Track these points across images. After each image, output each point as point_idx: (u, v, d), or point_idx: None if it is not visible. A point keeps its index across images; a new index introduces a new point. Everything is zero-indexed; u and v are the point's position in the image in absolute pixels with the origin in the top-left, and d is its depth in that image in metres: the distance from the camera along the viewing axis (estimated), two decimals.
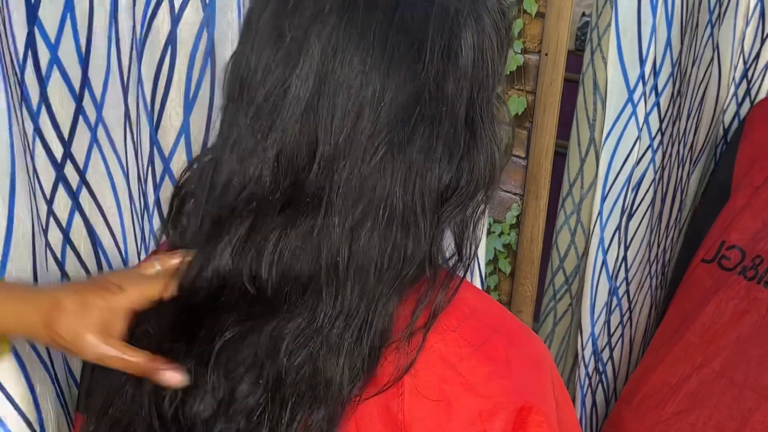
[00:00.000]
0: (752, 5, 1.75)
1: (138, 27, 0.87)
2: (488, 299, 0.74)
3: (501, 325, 0.71)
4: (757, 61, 1.83)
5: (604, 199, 1.53)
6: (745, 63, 1.82)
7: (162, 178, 0.97)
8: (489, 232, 1.81)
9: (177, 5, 0.91)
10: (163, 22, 0.91)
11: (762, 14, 1.79)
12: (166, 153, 0.97)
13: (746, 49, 1.80)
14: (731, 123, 1.88)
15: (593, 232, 1.54)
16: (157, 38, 0.91)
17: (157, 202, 0.93)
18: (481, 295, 0.74)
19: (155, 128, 0.96)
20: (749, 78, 1.84)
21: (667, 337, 1.61)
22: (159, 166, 0.98)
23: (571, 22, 1.60)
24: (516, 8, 1.64)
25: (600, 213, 1.53)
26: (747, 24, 1.76)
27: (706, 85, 1.75)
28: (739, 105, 1.87)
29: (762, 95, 1.85)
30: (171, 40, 0.92)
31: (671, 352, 1.57)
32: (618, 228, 1.55)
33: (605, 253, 1.56)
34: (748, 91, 1.85)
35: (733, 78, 1.83)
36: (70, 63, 0.76)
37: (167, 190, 0.98)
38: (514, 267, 1.78)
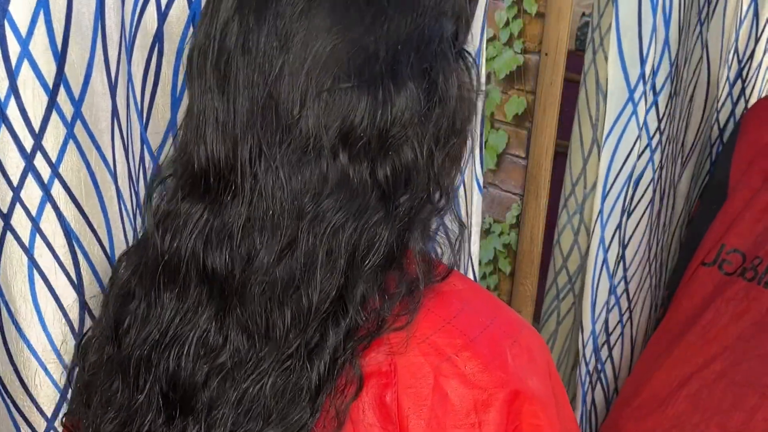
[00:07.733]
0: (745, 4, 1.67)
1: (128, 24, 0.80)
2: (483, 291, 0.70)
3: (497, 317, 0.67)
4: (751, 61, 1.76)
5: (604, 198, 1.45)
6: (739, 62, 1.75)
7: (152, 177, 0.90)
8: (489, 232, 1.74)
9: (164, 2, 0.85)
10: (151, 19, 0.84)
11: (756, 14, 1.71)
12: (155, 151, 0.91)
13: (741, 48, 1.73)
14: (726, 123, 1.80)
15: (594, 231, 1.46)
16: (144, 35, 0.84)
17: (147, 200, 0.85)
18: (476, 288, 0.70)
19: (145, 126, 0.89)
20: (744, 77, 1.77)
21: (667, 340, 1.52)
22: (149, 165, 0.91)
23: (571, 22, 1.53)
24: (516, 8, 1.57)
25: (600, 212, 1.45)
26: (741, 23, 1.68)
27: (695, 84, 1.67)
28: (734, 104, 1.79)
29: (756, 94, 1.79)
30: (158, 37, 0.85)
31: (671, 354, 1.48)
32: (618, 226, 1.47)
33: (606, 251, 1.48)
34: (742, 91, 1.78)
35: (728, 78, 1.75)
36: (42, 57, 0.69)
37: None
38: (514, 267, 1.70)
